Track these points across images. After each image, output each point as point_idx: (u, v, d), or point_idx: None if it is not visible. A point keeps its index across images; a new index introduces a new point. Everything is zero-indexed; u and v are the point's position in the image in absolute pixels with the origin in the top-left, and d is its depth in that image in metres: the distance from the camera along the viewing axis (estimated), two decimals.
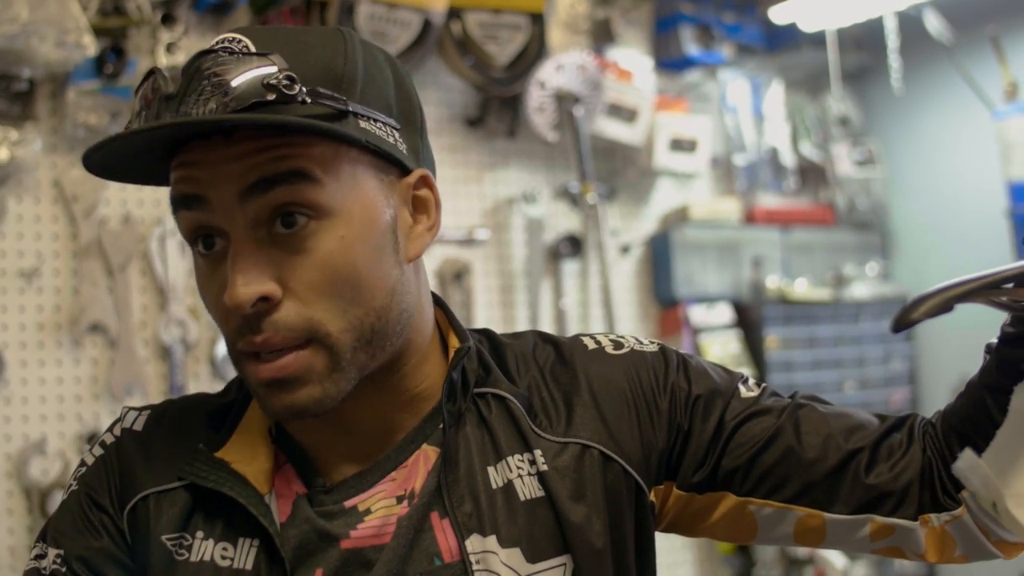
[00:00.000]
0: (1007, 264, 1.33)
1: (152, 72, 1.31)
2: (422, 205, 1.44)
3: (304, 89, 1.28)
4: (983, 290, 1.32)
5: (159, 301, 3.49)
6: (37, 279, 3.32)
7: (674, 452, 1.50)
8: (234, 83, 1.26)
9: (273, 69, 1.27)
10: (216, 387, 3.44)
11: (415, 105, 1.46)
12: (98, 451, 1.50)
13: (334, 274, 1.31)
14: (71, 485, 1.49)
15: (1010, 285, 1.34)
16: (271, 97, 1.26)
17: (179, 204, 1.34)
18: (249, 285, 1.27)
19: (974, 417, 1.41)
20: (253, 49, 1.30)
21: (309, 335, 1.30)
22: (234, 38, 1.32)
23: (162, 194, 3.40)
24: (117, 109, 3.34)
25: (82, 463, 1.51)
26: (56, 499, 3.21)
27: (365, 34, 3.62)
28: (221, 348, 3.53)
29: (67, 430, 3.33)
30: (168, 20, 3.47)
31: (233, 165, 1.28)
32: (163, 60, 3.44)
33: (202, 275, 1.36)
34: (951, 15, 4.37)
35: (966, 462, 1.39)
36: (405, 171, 1.41)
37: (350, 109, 1.33)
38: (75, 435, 3.33)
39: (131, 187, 3.43)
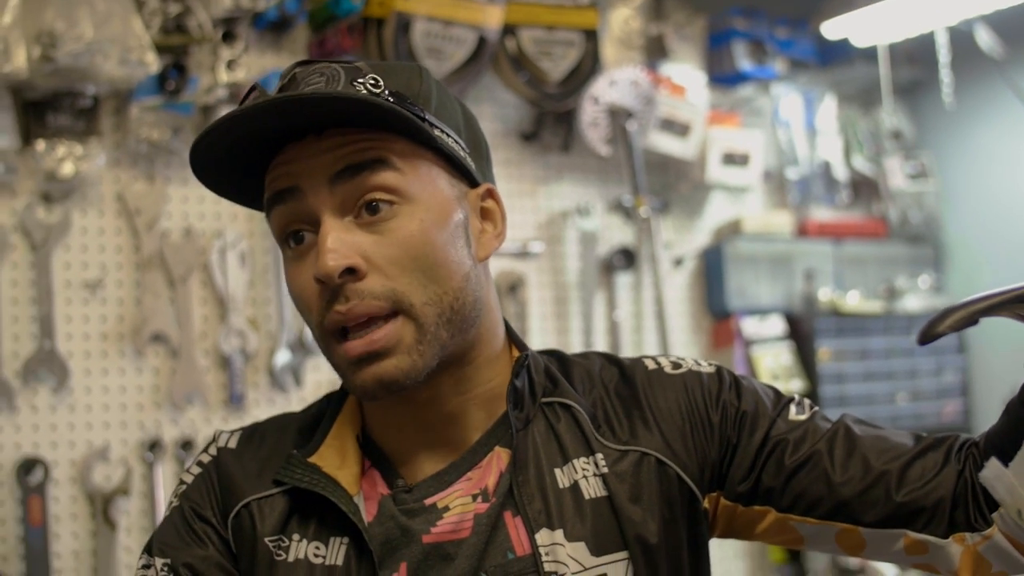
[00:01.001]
0: None
1: (255, 86, 1.47)
2: (489, 215, 1.58)
3: (388, 91, 1.41)
4: (1009, 304, 1.35)
5: (219, 312, 3.55)
6: (101, 290, 3.39)
7: (723, 463, 1.57)
8: (328, 81, 1.42)
9: (362, 71, 1.42)
10: (274, 396, 3.53)
11: (482, 139, 1.61)
12: (196, 469, 1.60)
13: (415, 251, 1.42)
14: (172, 502, 1.59)
15: None
16: (361, 91, 1.40)
17: (274, 201, 1.46)
18: (338, 257, 1.38)
19: (1011, 433, 1.43)
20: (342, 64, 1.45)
21: (394, 306, 1.41)
22: (321, 60, 1.48)
23: (223, 207, 3.48)
24: (179, 125, 3.41)
25: (181, 482, 1.61)
26: (118, 505, 3.28)
27: (421, 51, 3.68)
28: (280, 358, 3.60)
29: (129, 437, 3.40)
30: (229, 38, 3.53)
31: (324, 156, 1.42)
32: (224, 77, 3.50)
33: (292, 268, 1.47)
34: (1002, 30, 4.38)
35: (992, 470, 1.42)
36: (473, 184, 1.54)
37: (426, 117, 1.45)
38: (137, 442, 3.40)
39: (192, 200, 3.50)
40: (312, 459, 1.52)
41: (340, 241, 1.39)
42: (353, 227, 1.41)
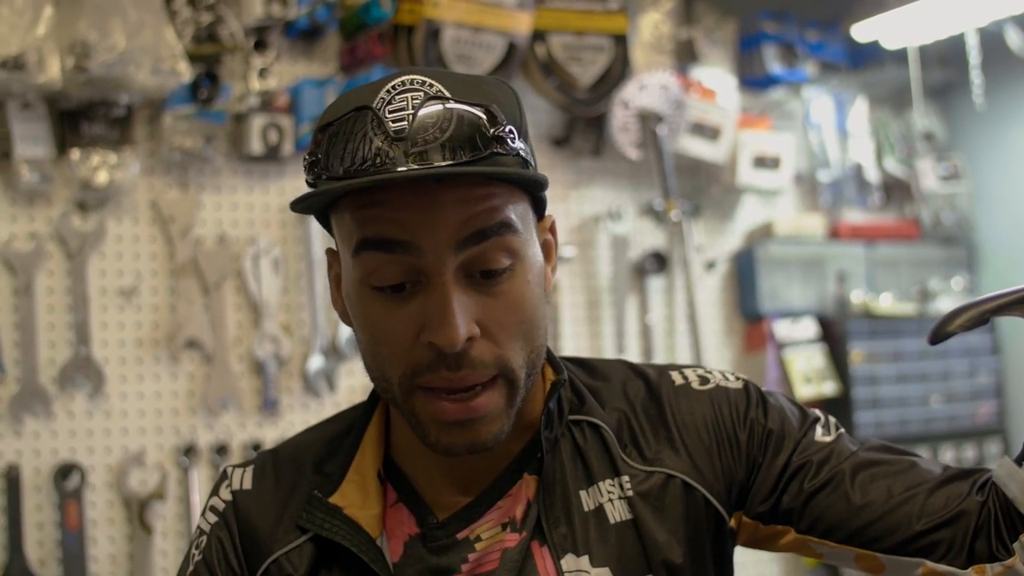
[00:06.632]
0: None
1: (366, 108, 1.33)
2: (547, 248, 1.51)
3: (518, 139, 1.35)
4: (1020, 303, 1.34)
5: (253, 318, 3.58)
6: (136, 297, 3.43)
7: (747, 482, 1.54)
8: (466, 129, 1.31)
9: (498, 119, 1.33)
10: (308, 402, 3.55)
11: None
12: (212, 518, 1.57)
13: (522, 314, 1.38)
14: (194, 556, 1.55)
15: None
16: (499, 149, 1.32)
17: (375, 246, 1.34)
18: (464, 330, 1.32)
19: None
20: (455, 95, 1.34)
21: (498, 371, 1.37)
22: (424, 81, 1.35)
23: (255, 215, 3.50)
24: (212, 133, 3.45)
25: (200, 532, 1.57)
26: (154, 509, 3.32)
27: (451, 57, 3.69)
28: (313, 363, 3.62)
29: (165, 442, 3.43)
30: (260, 46, 3.56)
31: (448, 213, 1.32)
32: (256, 85, 3.53)
33: (382, 310, 1.37)
34: None
35: (1004, 468, 1.40)
36: (540, 215, 1.48)
37: (528, 158, 1.39)
38: (172, 447, 3.44)
39: (226, 207, 3.53)
40: (333, 499, 1.49)
41: (462, 308, 1.32)
42: (469, 289, 1.35)
